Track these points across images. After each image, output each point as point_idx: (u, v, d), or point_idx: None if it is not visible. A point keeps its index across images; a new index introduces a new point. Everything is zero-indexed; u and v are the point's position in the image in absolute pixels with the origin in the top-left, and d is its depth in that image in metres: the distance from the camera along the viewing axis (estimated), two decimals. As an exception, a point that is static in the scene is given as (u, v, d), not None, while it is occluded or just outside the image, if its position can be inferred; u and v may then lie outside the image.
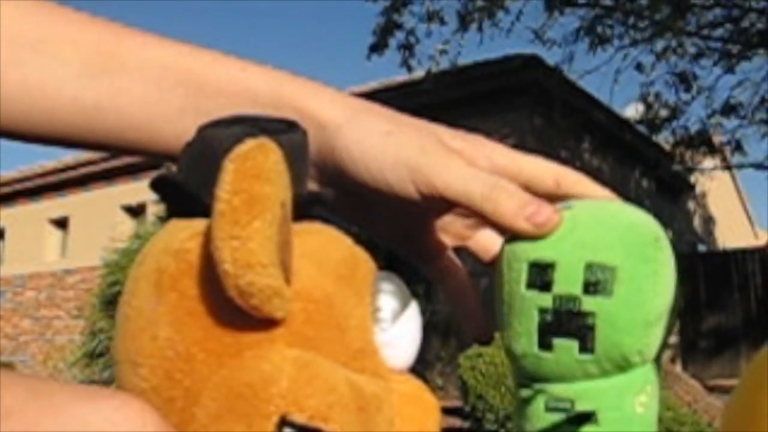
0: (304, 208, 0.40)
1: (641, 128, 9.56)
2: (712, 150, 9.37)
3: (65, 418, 0.27)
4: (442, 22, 7.91)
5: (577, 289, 0.50)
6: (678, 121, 9.02)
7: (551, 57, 9.05)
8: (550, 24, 7.96)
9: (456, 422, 5.24)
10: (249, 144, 0.34)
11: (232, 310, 0.33)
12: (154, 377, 0.35)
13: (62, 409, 0.27)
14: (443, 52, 7.87)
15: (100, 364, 7.71)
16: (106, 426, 0.27)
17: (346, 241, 0.42)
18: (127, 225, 11.49)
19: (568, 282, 0.50)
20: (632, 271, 0.48)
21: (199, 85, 0.43)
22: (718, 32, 8.36)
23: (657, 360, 0.52)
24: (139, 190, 11.82)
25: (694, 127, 9.12)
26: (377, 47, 7.87)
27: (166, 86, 0.43)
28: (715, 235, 14.00)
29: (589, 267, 0.50)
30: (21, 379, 0.28)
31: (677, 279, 0.50)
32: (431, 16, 7.87)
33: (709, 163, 10.04)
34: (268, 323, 0.34)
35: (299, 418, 0.33)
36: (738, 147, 9.12)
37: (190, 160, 0.39)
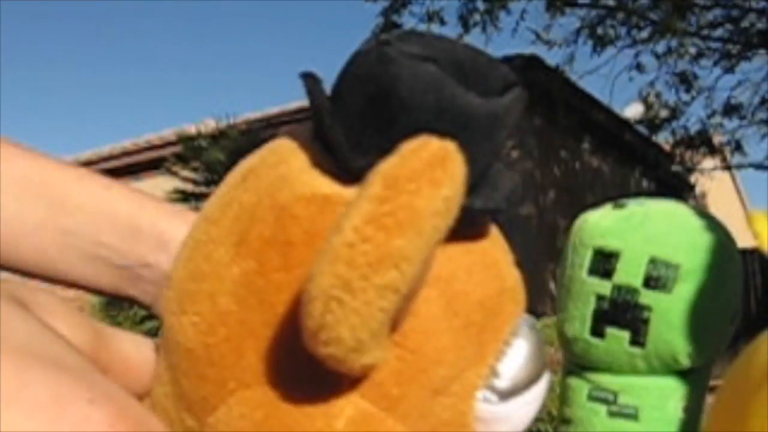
0: (469, 218, 0.28)
1: (641, 128, 9.55)
2: (712, 150, 9.36)
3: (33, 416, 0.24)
4: (442, 22, 7.90)
5: (637, 282, 0.50)
6: (678, 121, 9.02)
7: (551, 57, 9.05)
8: (551, 25, 7.96)
9: (456, 422, 5.23)
10: (418, 163, 0.25)
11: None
12: (194, 339, 0.29)
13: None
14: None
15: (100, 364, 7.68)
16: (72, 427, 0.24)
17: (503, 269, 0.33)
18: (127, 225, 11.48)
19: (629, 273, 0.50)
20: (695, 272, 0.48)
21: (60, 201, 0.40)
22: (718, 32, 8.36)
23: (707, 368, 0.51)
24: (138, 190, 11.82)
25: (694, 128, 9.12)
26: (377, 47, 7.84)
27: (26, 199, 0.40)
28: (715, 236, 13.98)
29: (653, 261, 0.50)
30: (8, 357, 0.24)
31: (739, 291, 0.50)
32: (431, 17, 7.86)
33: (709, 163, 10.04)
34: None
35: None
36: (738, 147, 9.11)
37: (356, 85, 0.30)
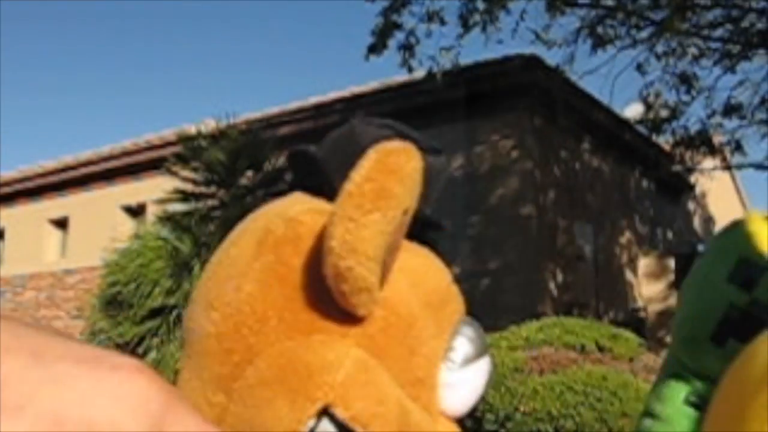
0: (421, 228, 0.40)
1: (641, 128, 9.55)
2: (712, 150, 9.36)
3: (64, 393, 0.26)
4: (442, 22, 7.90)
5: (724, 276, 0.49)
6: (678, 122, 9.02)
7: (551, 57, 9.05)
8: (551, 24, 7.96)
9: (456, 422, 5.24)
10: (397, 143, 0.35)
11: (319, 292, 0.34)
12: (223, 325, 0.36)
13: (62, 382, 0.26)
14: (445, 49, 7.86)
15: (100, 364, 7.68)
16: (106, 402, 0.26)
17: (447, 275, 0.43)
18: (127, 225, 11.49)
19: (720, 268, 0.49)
20: None
21: None
22: (718, 32, 8.36)
23: None
24: (139, 190, 11.81)
25: (694, 128, 9.12)
26: (375, 48, 7.86)
27: None
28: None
29: (741, 260, 0.49)
30: (27, 339, 0.27)
31: None
32: (431, 17, 7.86)
33: (709, 163, 10.04)
34: (346, 316, 0.35)
35: (342, 414, 0.33)
36: (738, 147, 9.11)
37: (333, 144, 0.40)
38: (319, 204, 0.37)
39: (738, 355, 0.49)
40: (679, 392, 0.51)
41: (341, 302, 0.34)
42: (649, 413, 0.52)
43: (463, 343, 0.40)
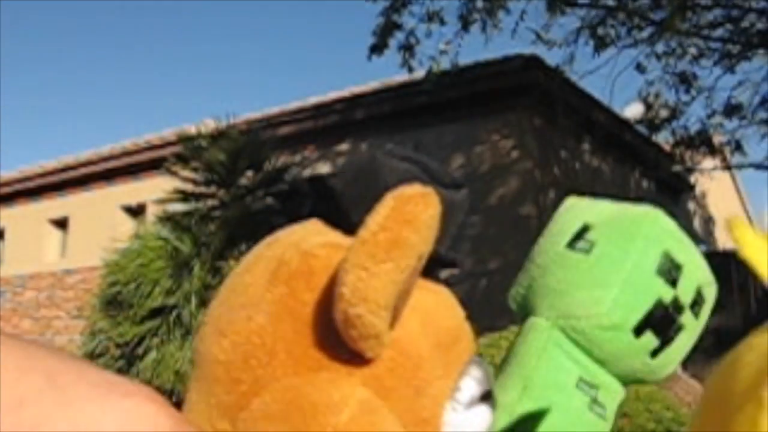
0: (436, 266, 0.41)
1: (641, 128, 9.55)
2: (712, 150, 9.37)
3: (77, 417, 0.26)
4: (442, 22, 7.90)
5: (688, 300, 0.51)
6: (678, 121, 9.02)
7: (551, 57, 9.05)
8: (551, 24, 7.95)
9: (456, 422, 5.23)
10: (416, 189, 0.35)
11: (328, 329, 0.34)
12: (233, 353, 0.36)
13: (76, 406, 0.27)
14: (444, 52, 7.87)
15: (99, 364, 7.68)
16: (117, 427, 0.27)
17: (460, 312, 0.43)
18: (127, 225, 11.49)
19: (686, 290, 0.50)
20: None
21: None
22: (718, 32, 8.36)
23: None
24: (139, 190, 11.81)
25: (694, 127, 9.12)
26: (377, 48, 7.86)
27: None
28: (715, 235, 14.00)
29: (700, 289, 0.51)
30: (42, 362, 0.27)
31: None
32: (431, 17, 7.86)
33: (709, 163, 10.04)
34: (354, 355, 0.35)
35: None
36: (738, 147, 9.11)
37: (354, 175, 0.40)
38: (336, 237, 0.37)
39: (643, 346, 0.50)
40: (570, 377, 0.51)
41: (350, 345, 0.34)
42: (522, 375, 0.52)
43: (470, 384, 0.40)
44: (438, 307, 0.41)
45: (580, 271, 0.53)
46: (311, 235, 0.38)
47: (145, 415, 0.28)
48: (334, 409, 0.34)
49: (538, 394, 0.51)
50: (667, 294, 0.49)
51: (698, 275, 0.50)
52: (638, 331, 0.50)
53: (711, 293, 0.51)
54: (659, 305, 0.50)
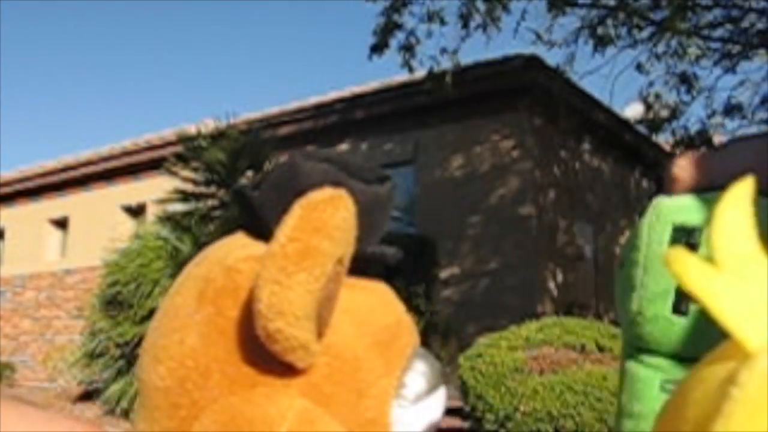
0: (366, 264, 0.40)
1: (641, 128, 9.55)
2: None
3: None
4: (443, 22, 7.90)
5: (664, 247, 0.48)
6: (678, 121, 9.01)
7: (552, 57, 9.05)
8: (552, 25, 7.95)
9: (456, 422, 5.24)
10: (323, 194, 0.34)
11: (259, 344, 0.34)
12: (169, 379, 0.36)
13: None
14: (444, 52, 7.86)
15: (99, 364, 7.71)
16: None
17: (398, 307, 0.42)
18: (127, 225, 11.48)
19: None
20: None
21: None
22: (719, 32, 8.36)
23: None
24: (139, 190, 11.81)
25: (694, 128, 9.11)
26: (378, 48, 7.86)
27: None
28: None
29: (677, 229, 0.48)
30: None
31: None
32: (431, 17, 7.86)
33: (709, 163, 10.03)
34: (289, 367, 0.35)
35: None
36: (738, 147, 9.10)
37: (273, 182, 0.39)
38: (259, 249, 0.36)
39: (699, 318, 0.49)
40: (652, 383, 0.50)
41: (279, 359, 0.34)
42: (627, 414, 0.51)
43: (415, 379, 0.39)
44: (372, 305, 0.39)
45: (621, 286, 0.53)
46: (235, 250, 0.38)
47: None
48: (272, 423, 0.33)
49: (628, 413, 0.50)
50: None
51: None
52: (680, 310, 0.49)
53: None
54: None
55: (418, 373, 0.39)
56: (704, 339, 0.48)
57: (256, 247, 0.37)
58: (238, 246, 0.38)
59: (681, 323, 0.49)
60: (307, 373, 0.35)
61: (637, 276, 0.51)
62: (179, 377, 0.35)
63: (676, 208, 0.50)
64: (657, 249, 0.50)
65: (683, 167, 0.53)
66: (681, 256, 0.24)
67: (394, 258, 0.43)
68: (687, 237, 0.49)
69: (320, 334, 0.35)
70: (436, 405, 0.40)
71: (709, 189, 0.49)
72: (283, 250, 0.32)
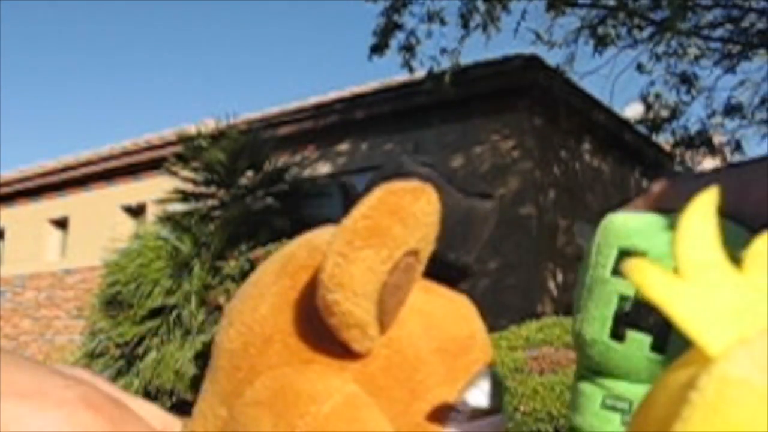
0: (447, 270, 0.39)
1: (641, 128, 9.55)
2: (712, 150, 9.37)
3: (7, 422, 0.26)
4: (443, 22, 7.90)
5: (608, 271, 0.49)
6: (678, 122, 9.02)
7: (552, 57, 9.05)
8: (552, 25, 7.96)
9: (456, 422, 5.24)
10: (408, 183, 0.35)
11: (324, 323, 0.34)
12: (237, 341, 0.37)
13: (7, 425, 0.26)
14: (444, 52, 7.87)
15: (99, 364, 7.70)
16: None
17: (476, 323, 0.41)
18: (127, 225, 11.49)
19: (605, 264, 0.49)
20: None
21: None
22: (719, 32, 8.36)
23: None
24: (139, 190, 11.81)
25: (694, 128, 9.12)
26: (378, 48, 7.86)
27: None
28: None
29: (622, 253, 0.48)
30: None
31: None
32: (432, 17, 7.87)
33: (709, 163, 10.03)
34: (348, 351, 0.35)
35: None
36: (738, 147, 9.11)
37: (377, 179, 0.39)
38: None
39: (635, 345, 0.49)
40: (594, 399, 0.50)
41: (336, 336, 0.34)
42: (571, 428, 0.51)
43: (477, 396, 0.38)
44: (447, 313, 0.39)
45: (574, 305, 0.53)
46: (324, 234, 0.38)
47: (80, 423, 0.27)
48: (317, 398, 0.34)
49: (571, 426, 0.50)
50: (627, 287, 0.48)
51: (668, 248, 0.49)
52: (618, 336, 0.49)
53: None
54: (623, 301, 0.48)
55: (482, 391, 0.39)
56: (641, 362, 0.48)
57: None
58: (330, 232, 0.38)
59: (618, 349, 0.49)
60: (365, 361, 0.35)
61: (582, 297, 0.51)
62: (244, 341, 0.36)
63: (625, 230, 0.50)
64: (601, 272, 0.50)
65: (661, 186, 0.53)
66: (641, 265, 0.24)
67: (473, 271, 0.42)
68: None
69: (385, 324, 0.35)
70: (490, 428, 0.39)
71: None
72: (354, 225, 0.33)
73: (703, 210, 0.26)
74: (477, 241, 0.43)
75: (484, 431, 0.39)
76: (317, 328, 0.35)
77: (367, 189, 0.38)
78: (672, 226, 0.52)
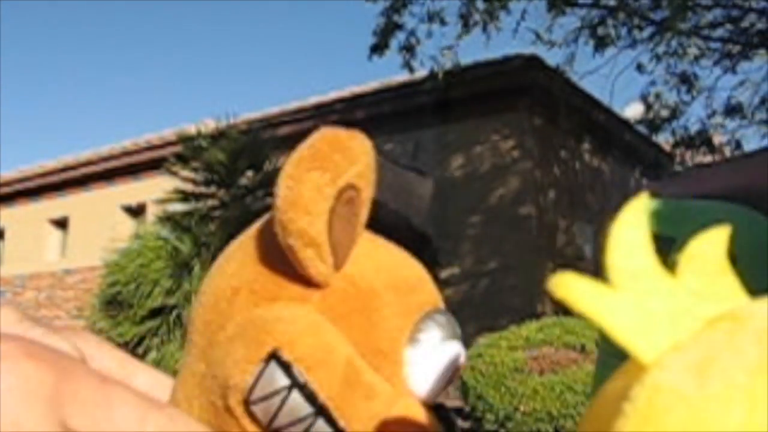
0: (414, 242, 0.41)
1: (641, 128, 9.55)
2: (712, 150, 9.37)
3: None
4: (443, 22, 7.91)
5: None
6: (678, 121, 9.02)
7: (552, 57, 9.05)
8: (552, 25, 7.96)
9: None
10: (355, 132, 0.38)
11: (284, 263, 0.37)
12: (206, 302, 0.39)
13: None
14: (445, 50, 7.87)
15: (100, 364, 7.69)
16: None
17: (423, 271, 0.43)
18: (127, 225, 11.49)
19: None
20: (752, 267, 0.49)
21: None
22: (719, 32, 8.36)
23: None
24: (139, 190, 11.82)
25: (694, 128, 9.12)
26: (378, 48, 7.87)
27: None
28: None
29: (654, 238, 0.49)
30: None
31: None
32: (432, 17, 7.87)
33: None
34: (308, 285, 0.37)
35: (286, 356, 0.36)
36: (738, 147, 9.11)
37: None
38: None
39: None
40: None
41: (293, 261, 0.36)
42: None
43: (432, 326, 0.40)
44: (396, 258, 0.41)
45: None
46: None
47: (23, 375, 0.27)
48: (281, 320, 0.36)
49: None
50: None
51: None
52: None
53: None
54: None
55: (436, 322, 0.40)
56: None
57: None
58: None
59: None
60: (324, 294, 0.37)
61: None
62: (215, 299, 0.38)
63: (654, 219, 0.51)
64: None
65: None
66: (566, 280, 0.24)
67: (436, 244, 0.43)
68: (660, 247, 0.49)
69: (338, 257, 0.37)
70: (450, 353, 0.40)
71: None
72: (300, 153, 0.36)
73: (633, 216, 0.25)
74: (417, 213, 0.44)
75: (443, 357, 0.40)
76: (279, 271, 0.37)
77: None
78: (700, 215, 0.52)
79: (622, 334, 0.23)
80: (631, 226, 0.26)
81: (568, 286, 0.24)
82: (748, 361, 0.21)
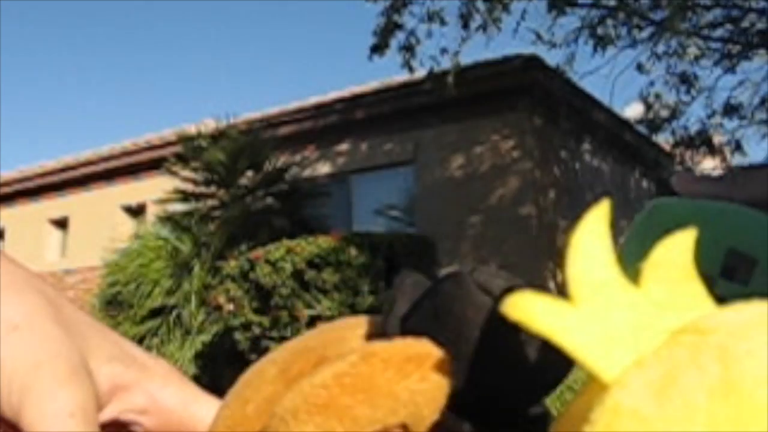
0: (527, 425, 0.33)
1: (641, 128, 9.55)
2: (712, 150, 9.36)
3: None
4: (443, 22, 7.90)
5: (715, 271, 0.49)
6: (678, 122, 9.02)
7: (552, 57, 9.06)
8: (552, 25, 7.96)
9: (456, 422, 5.24)
10: (405, 346, 0.29)
11: None
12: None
13: None
14: (444, 52, 7.87)
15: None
16: None
17: None
18: (127, 225, 11.49)
19: (707, 261, 0.49)
20: None
21: None
22: (718, 32, 8.36)
23: None
24: (139, 190, 11.81)
25: (694, 128, 9.11)
26: (378, 48, 7.86)
27: None
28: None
29: (731, 253, 0.48)
30: None
31: None
32: (431, 17, 7.87)
33: (709, 163, 10.03)
34: None
35: None
36: (738, 147, 9.11)
37: (431, 295, 0.34)
38: (367, 344, 0.35)
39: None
40: None
41: None
42: None
43: None
44: None
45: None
46: (342, 327, 0.38)
47: (12, 302, 0.29)
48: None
49: None
50: (734, 294, 0.49)
51: (725, 239, 0.48)
52: None
53: (754, 249, 0.49)
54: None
55: None
56: None
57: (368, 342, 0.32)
58: (357, 336, 0.34)
59: None
60: None
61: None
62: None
63: (734, 227, 0.49)
64: (706, 271, 0.51)
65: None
66: (521, 300, 0.22)
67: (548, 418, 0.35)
68: (739, 265, 0.49)
69: None
70: None
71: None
72: (309, 390, 0.30)
73: (594, 227, 0.24)
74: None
75: None
76: None
77: (414, 308, 0.33)
78: (724, 216, 0.52)
79: (582, 353, 0.22)
80: (593, 235, 0.24)
81: (523, 306, 0.22)
82: (709, 380, 0.20)
